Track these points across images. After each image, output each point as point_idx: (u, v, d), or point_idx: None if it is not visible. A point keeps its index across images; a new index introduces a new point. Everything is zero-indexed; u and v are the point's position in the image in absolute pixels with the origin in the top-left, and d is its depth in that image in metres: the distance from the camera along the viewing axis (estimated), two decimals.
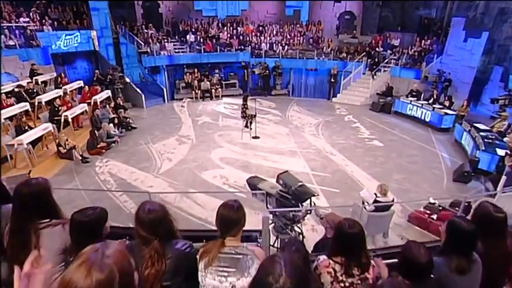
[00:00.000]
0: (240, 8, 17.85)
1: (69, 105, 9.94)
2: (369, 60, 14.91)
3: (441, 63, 13.44)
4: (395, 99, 12.99)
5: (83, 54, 15.05)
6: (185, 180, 7.65)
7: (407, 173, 7.89)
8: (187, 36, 16.16)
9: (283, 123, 11.77)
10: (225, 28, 16.96)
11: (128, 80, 14.12)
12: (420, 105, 11.73)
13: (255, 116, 10.15)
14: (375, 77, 14.37)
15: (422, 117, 11.60)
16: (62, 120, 9.25)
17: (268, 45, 16.39)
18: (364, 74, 14.96)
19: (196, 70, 15.30)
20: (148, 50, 15.07)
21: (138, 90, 13.73)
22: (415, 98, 12.24)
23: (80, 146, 8.78)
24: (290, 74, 16.60)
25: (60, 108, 9.41)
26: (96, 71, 13.47)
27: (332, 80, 14.77)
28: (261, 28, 17.30)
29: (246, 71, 16.29)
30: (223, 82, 15.71)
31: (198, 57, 15.59)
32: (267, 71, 15.39)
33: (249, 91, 15.58)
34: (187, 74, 15.13)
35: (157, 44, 15.35)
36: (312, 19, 17.75)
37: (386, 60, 14.34)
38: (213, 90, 14.76)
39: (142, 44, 14.86)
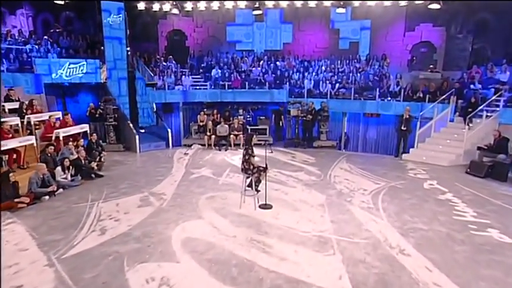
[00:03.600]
0: (282, 42, 15.44)
1: (9, 136, 7.48)
2: (459, 101, 10.59)
3: None
4: None
5: (89, 86, 13.51)
6: (88, 284, 4.05)
7: None
8: (213, 71, 13.88)
9: (319, 186, 7.81)
10: (260, 63, 14.41)
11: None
12: None
13: (265, 169, 6.46)
14: (470, 124, 9.89)
15: None
16: None
17: (313, 82, 13.19)
18: (452, 120, 10.57)
19: (215, 111, 12.52)
20: (159, 83, 12.96)
21: (133, 129, 11.20)
22: None
23: None
24: (343, 120, 12.90)
25: None
26: (91, 104, 11.44)
27: (403, 128, 10.58)
28: (306, 63, 14.37)
29: (281, 115, 13.05)
30: (249, 127, 12.54)
31: (218, 94, 12.96)
32: (309, 115, 11.88)
33: (285, 141, 12.11)
34: (202, 113, 12.38)
35: (172, 76, 13.24)
36: (373, 53, 14.36)
37: (488, 101, 9.87)
38: (231, 136, 11.60)
39: (152, 76, 12.82)
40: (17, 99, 9.99)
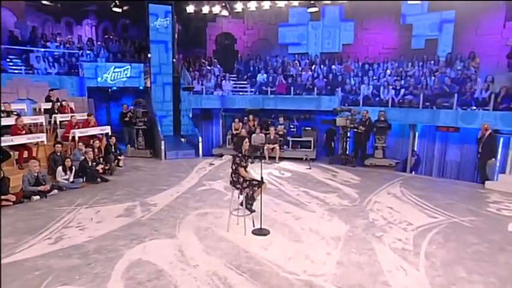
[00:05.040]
0: (341, 43, 14.07)
1: (22, 132, 7.81)
2: None
3: None
4: None
5: (133, 91, 14.08)
6: None
7: None
8: (258, 76, 13.24)
9: (346, 213, 6.31)
10: (313, 67, 13.26)
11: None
12: None
13: (260, 184, 5.32)
14: None
15: None
16: None
17: (371, 88, 11.49)
18: None
19: (251, 117, 11.74)
20: (198, 88, 12.79)
21: (161, 136, 11.06)
22: None
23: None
24: (411, 135, 10.89)
25: None
26: (124, 105, 11.74)
27: (480, 151, 8.24)
28: (367, 67, 12.71)
29: (334, 135, 11.57)
30: (290, 139, 11.39)
31: (260, 100, 12.16)
32: (361, 126, 10.24)
33: (332, 157, 10.67)
34: (236, 121, 11.70)
35: (212, 81, 12.96)
36: (457, 51, 11.96)
37: None
38: (265, 147, 10.62)
39: (191, 80, 12.72)
40: (55, 100, 10.71)
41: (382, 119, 10.12)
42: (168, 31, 13.89)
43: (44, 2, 13.18)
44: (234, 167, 5.27)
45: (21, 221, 5.72)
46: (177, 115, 14.07)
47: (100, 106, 14.11)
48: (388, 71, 12.27)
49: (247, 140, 5.36)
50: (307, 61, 13.76)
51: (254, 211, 5.48)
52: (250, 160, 5.53)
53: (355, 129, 10.34)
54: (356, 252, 4.73)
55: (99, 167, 8.19)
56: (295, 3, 13.77)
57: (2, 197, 6.30)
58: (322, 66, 13.20)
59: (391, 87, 11.19)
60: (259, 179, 5.30)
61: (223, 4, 14.43)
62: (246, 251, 4.73)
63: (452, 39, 12.28)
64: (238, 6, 14.50)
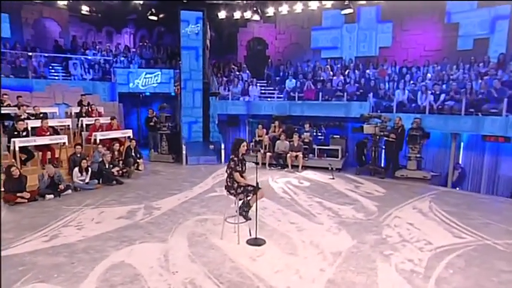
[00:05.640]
0: (377, 46, 13.45)
1: (47, 133, 8.38)
2: None
3: None
4: None
5: (164, 96, 14.57)
6: None
7: None
8: (287, 82, 13.07)
9: (358, 227, 5.86)
10: (347, 72, 12.79)
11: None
12: None
13: (255, 190, 5.11)
14: None
15: None
16: (16, 148, 7.58)
17: (407, 93, 10.77)
18: None
19: (276, 124, 11.55)
20: (225, 93, 12.91)
21: (183, 141, 11.27)
22: None
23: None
24: (453, 145, 10.01)
25: (20, 133, 7.89)
26: (150, 109, 12.17)
27: None
28: (405, 70, 11.97)
29: (364, 147, 10.91)
30: (316, 147, 10.99)
31: (287, 106, 11.93)
32: (392, 134, 9.60)
33: (359, 168, 10.12)
34: (260, 127, 11.57)
35: (239, 86, 13.01)
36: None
37: None
38: (288, 155, 10.36)
39: (217, 85, 12.87)
40: (86, 104, 11.41)
41: (415, 126, 9.38)
42: (199, 37, 14.25)
43: (84, 12, 14.17)
44: (228, 171, 5.13)
45: (28, 217, 6.06)
46: (207, 121, 14.29)
47: (131, 111, 14.81)
48: (429, 75, 11.42)
49: (244, 143, 5.18)
50: (339, 66, 13.29)
51: (250, 219, 5.27)
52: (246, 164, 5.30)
53: (386, 138, 9.70)
54: (354, 271, 4.32)
55: (115, 170, 8.47)
56: (328, 4, 13.43)
57: (19, 194, 6.75)
58: (355, 70, 12.66)
59: (429, 92, 10.38)
60: (255, 185, 5.09)
61: (255, 8, 14.50)
62: (233, 261, 4.54)
63: (506, 38, 11.13)
64: (270, 10, 14.50)
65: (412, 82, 11.17)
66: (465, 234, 5.61)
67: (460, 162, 10.77)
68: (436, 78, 11.05)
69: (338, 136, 11.38)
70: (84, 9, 14.01)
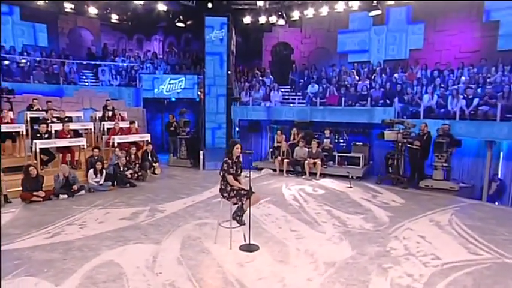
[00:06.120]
0: (408, 48, 12.96)
1: (68, 136, 8.92)
2: None
3: None
4: None
5: (188, 102, 14.96)
6: None
7: None
8: (309, 87, 12.96)
9: (361, 238, 5.63)
10: (373, 76, 12.44)
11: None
12: None
13: (248, 194, 5.08)
14: None
15: None
16: (36, 149, 8.16)
17: (436, 98, 10.25)
18: None
19: (295, 130, 11.46)
20: (246, 99, 13.03)
21: (201, 146, 11.50)
22: None
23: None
24: (489, 155, 9.35)
25: (42, 135, 8.47)
26: (170, 115, 12.55)
27: None
28: (436, 73, 11.41)
29: (389, 158, 10.48)
30: (337, 154, 10.74)
31: (308, 112, 11.79)
32: (416, 141, 9.16)
33: (381, 176, 9.77)
34: (279, 133, 11.53)
35: (261, 91, 13.07)
36: None
37: None
38: (306, 162, 10.20)
39: (238, 90, 13.03)
40: (111, 109, 12.00)
41: (441, 133, 8.86)
42: (223, 43, 14.54)
43: (113, 21, 15.01)
44: (221, 174, 5.16)
45: (39, 215, 6.46)
46: (230, 127, 14.48)
47: (156, 116, 15.35)
48: (463, 78, 10.79)
49: (238, 145, 5.20)
50: (366, 70, 12.93)
51: (244, 224, 5.26)
52: (242, 168, 5.31)
53: (410, 145, 9.27)
54: (344, 283, 4.15)
55: (128, 172, 8.81)
56: (355, 6, 13.16)
57: (35, 193, 7.23)
58: (382, 74, 12.26)
59: (461, 96, 9.80)
60: (248, 189, 5.08)
61: (280, 13, 14.56)
62: (220, 266, 4.54)
63: None
64: (295, 14, 14.47)
65: (442, 86, 10.61)
66: (482, 250, 5.19)
67: (499, 173, 10.02)
68: (470, 82, 10.42)
69: (361, 143, 11.05)
70: (114, 17, 14.81)
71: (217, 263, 4.62)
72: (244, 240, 5.20)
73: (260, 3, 13.62)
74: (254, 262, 4.67)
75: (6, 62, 12.19)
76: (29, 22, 14.39)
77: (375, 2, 12.72)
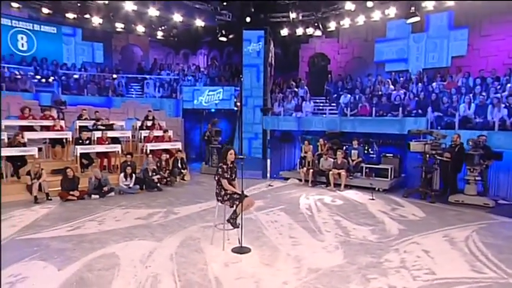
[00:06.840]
0: (450, 55, 12.34)
1: (106, 143, 9.93)
2: None
3: None
4: None
5: (225, 112, 15.61)
6: None
7: None
8: (341, 97, 12.90)
9: (358, 248, 5.55)
10: (410, 85, 12.03)
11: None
12: None
13: (241, 198, 5.33)
14: None
15: None
16: (77, 154, 9.23)
17: (473, 107, 9.64)
18: None
19: (322, 140, 11.44)
20: (279, 109, 13.31)
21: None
22: None
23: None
24: None
25: (83, 141, 9.54)
26: (209, 125, 13.24)
27: None
28: (478, 81, 10.73)
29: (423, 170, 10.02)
30: (365, 165, 10.53)
31: (338, 122, 11.71)
32: (447, 153, 8.69)
33: (408, 190, 9.41)
34: (306, 143, 11.58)
35: (293, 102, 13.27)
36: None
37: None
38: (330, 173, 10.14)
39: (271, 102, 13.35)
40: (151, 118, 13.01)
41: (472, 144, 8.29)
42: (260, 55, 15.04)
43: (159, 37, 16.32)
44: (216, 178, 5.48)
45: (69, 211, 7.31)
46: (265, 137, 14.83)
47: (195, 126, 16.19)
48: (509, 85, 10.00)
49: (232, 151, 5.50)
50: (403, 79, 12.51)
51: (238, 226, 5.48)
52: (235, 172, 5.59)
53: (440, 158, 8.81)
54: None
55: (155, 177, 9.51)
56: (392, 13, 12.86)
57: (71, 192, 8.17)
58: (419, 83, 11.78)
59: (502, 105, 9.11)
60: (240, 193, 5.34)
61: (316, 24, 14.71)
62: (206, 264, 4.83)
63: None
64: (332, 25, 14.52)
65: (482, 94, 9.93)
66: (489, 269, 4.86)
67: None
68: None
69: (391, 155, 10.69)
70: (160, 34, 16.11)
71: (205, 261, 4.92)
72: (239, 243, 5.44)
73: (293, 16, 13.89)
74: (240, 263, 4.89)
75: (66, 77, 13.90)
76: (88, 42, 16.25)
77: (412, 8, 12.36)
